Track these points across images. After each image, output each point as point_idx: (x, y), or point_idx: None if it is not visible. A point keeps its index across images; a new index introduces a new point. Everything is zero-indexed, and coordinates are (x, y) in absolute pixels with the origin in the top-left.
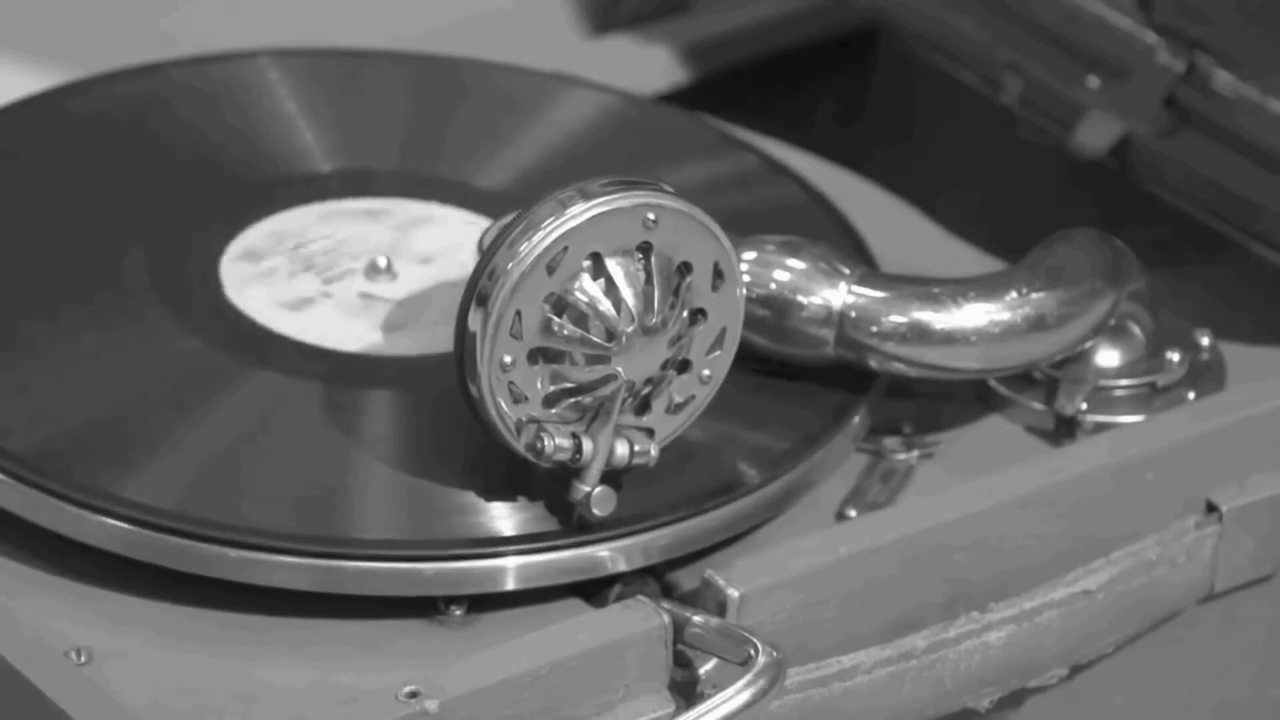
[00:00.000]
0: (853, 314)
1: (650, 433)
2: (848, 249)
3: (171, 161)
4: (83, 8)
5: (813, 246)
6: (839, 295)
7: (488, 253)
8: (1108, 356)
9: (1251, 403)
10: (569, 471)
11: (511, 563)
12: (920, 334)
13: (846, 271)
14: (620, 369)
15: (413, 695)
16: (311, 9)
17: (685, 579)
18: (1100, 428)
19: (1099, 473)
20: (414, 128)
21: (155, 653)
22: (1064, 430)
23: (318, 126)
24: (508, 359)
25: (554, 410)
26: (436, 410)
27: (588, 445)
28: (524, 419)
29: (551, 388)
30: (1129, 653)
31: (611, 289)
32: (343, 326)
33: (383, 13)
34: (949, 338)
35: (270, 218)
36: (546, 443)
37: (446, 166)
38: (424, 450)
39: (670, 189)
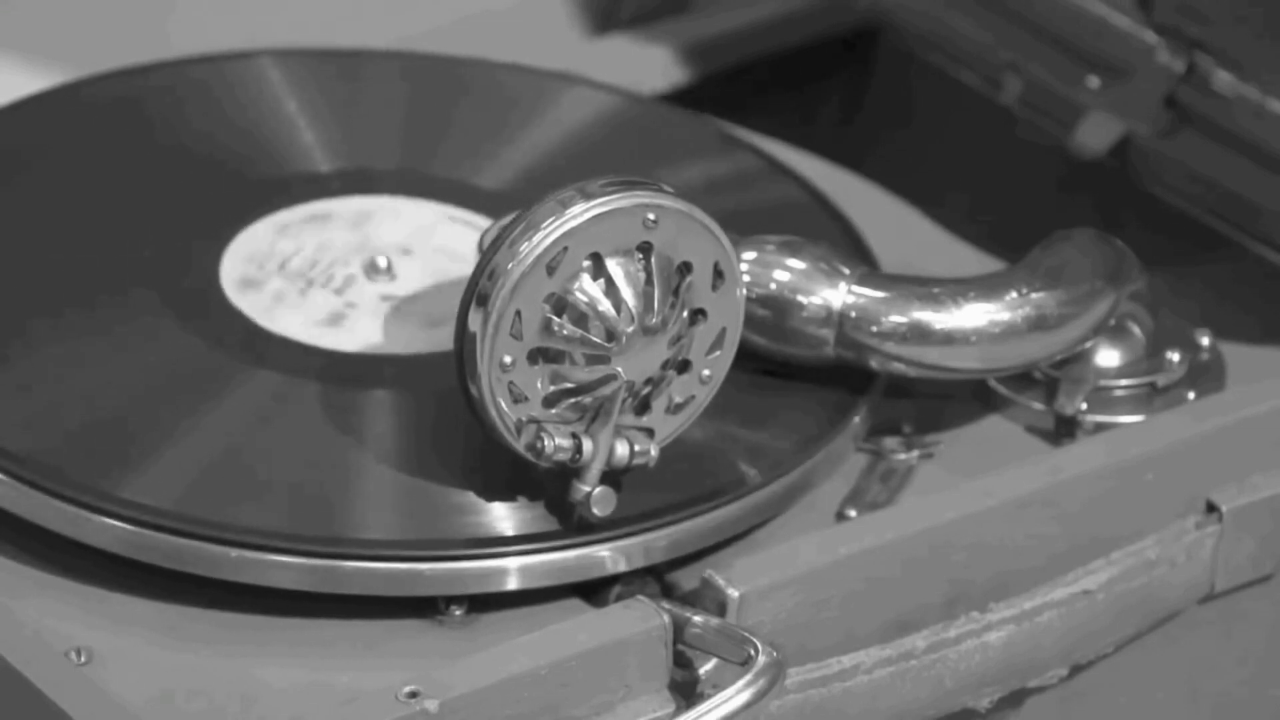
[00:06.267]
0: (853, 314)
1: (650, 433)
2: (848, 249)
3: (171, 161)
4: (83, 8)
5: (813, 246)
6: (839, 295)
7: (488, 253)
8: (1108, 356)
9: (1251, 403)
10: (569, 472)
11: (512, 563)
12: (920, 334)
13: (846, 271)
14: (620, 369)
15: (413, 695)
16: (311, 9)
17: (685, 579)
18: (1100, 428)
19: (1099, 473)
20: (414, 127)
21: (155, 653)
22: (1064, 430)
23: (318, 126)
24: (508, 359)
25: (554, 410)
26: (436, 410)
27: (588, 445)
28: (524, 419)
29: (551, 388)
30: (1129, 653)
31: (611, 289)
32: (343, 326)
33: (383, 12)
34: (949, 338)
35: (270, 217)
36: (546, 443)
37: (447, 165)
38: (424, 450)
39: (670, 189)
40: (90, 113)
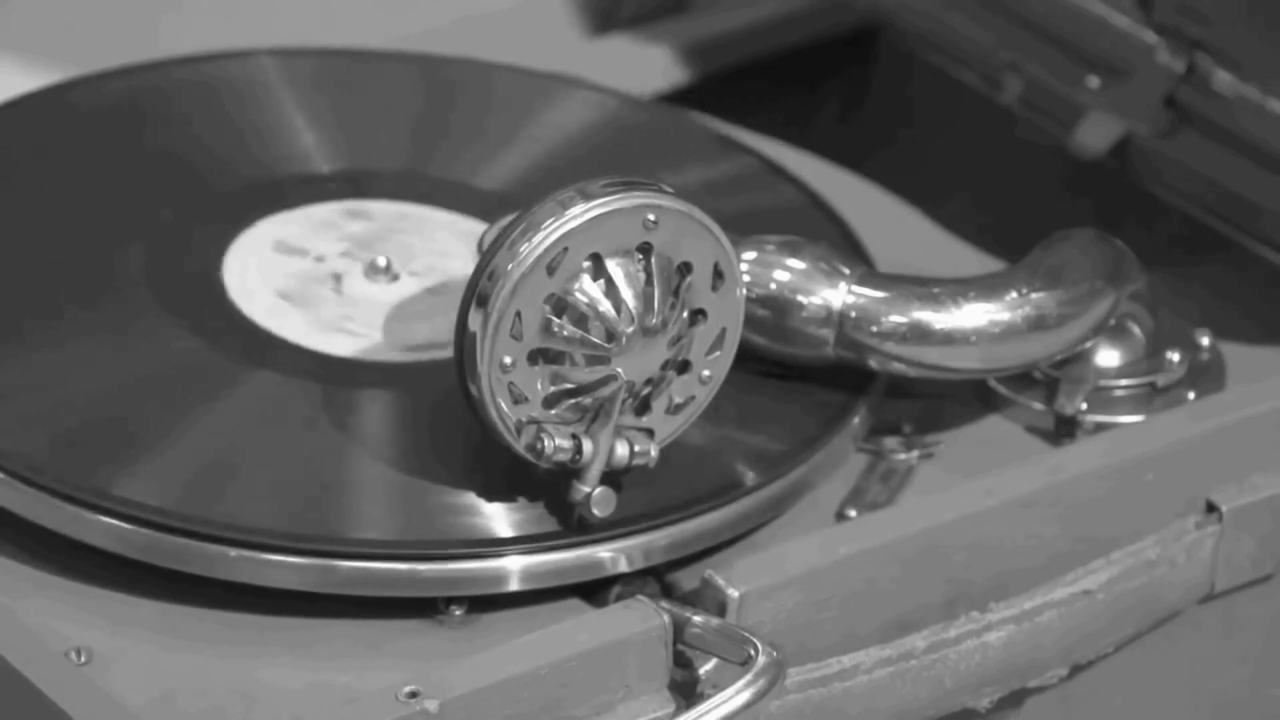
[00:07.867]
0: (853, 314)
1: (650, 433)
2: (847, 249)
3: (170, 161)
4: (81, 7)
5: (813, 246)
6: (839, 295)
7: (488, 253)
8: (1108, 356)
9: (1251, 403)
10: (569, 472)
11: (512, 563)
12: (920, 334)
13: (846, 271)
14: (620, 370)
15: (413, 695)
16: (311, 9)
17: (685, 579)
18: (1100, 428)
19: (1099, 473)
20: (414, 128)
21: (155, 653)
22: (1064, 430)
23: (317, 126)
24: (508, 360)
25: (554, 411)
26: (437, 410)
27: (588, 446)
28: (524, 420)
29: (551, 388)
30: (1129, 653)
31: (611, 290)
32: (343, 326)
33: (383, 13)
34: (949, 338)
35: (269, 218)
36: (546, 443)
37: (446, 167)
38: (424, 450)
39: (670, 189)
40: (89, 112)
